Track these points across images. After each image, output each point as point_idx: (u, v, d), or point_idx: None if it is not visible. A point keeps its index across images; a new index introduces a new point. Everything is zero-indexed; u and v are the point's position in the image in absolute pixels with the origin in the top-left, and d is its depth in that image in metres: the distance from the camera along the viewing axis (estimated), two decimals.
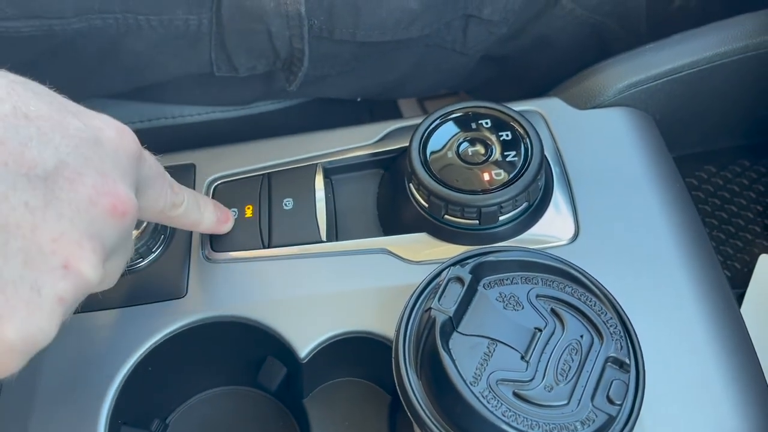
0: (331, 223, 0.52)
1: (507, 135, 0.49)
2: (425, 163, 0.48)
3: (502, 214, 0.47)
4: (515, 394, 0.36)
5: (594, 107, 0.57)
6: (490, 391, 0.36)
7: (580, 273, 0.40)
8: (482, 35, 0.63)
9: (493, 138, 0.49)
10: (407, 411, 0.38)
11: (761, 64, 0.59)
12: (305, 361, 0.46)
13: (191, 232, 0.51)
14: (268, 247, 0.50)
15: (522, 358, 0.37)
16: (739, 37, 0.58)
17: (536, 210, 0.49)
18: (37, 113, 0.32)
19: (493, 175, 0.48)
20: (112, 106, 0.63)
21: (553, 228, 0.49)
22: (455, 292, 0.38)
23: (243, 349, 0.50)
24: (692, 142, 0.70)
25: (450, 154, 0.49)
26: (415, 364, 0.38)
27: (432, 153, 0.49)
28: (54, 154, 0.31)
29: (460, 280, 0.38)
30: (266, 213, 0.52)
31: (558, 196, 0.51)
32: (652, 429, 0.42)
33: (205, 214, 0.46)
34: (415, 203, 0.49)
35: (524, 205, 0.48)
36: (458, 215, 0.47)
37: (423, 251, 0.49)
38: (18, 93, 0.32)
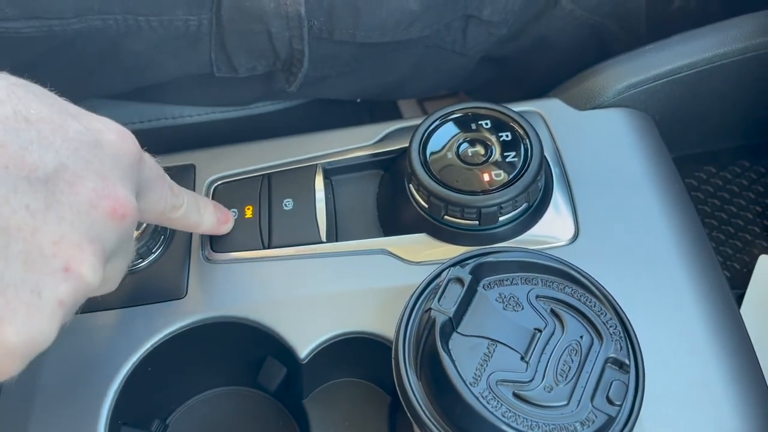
0: (331, 224, 0.52)
1: (507, 136, 0.49)
2: (425, 164, 0.48)
3: (502, 214, 0.47)
4: (515, 395, 0.36)
5: (594, 108, 0.57)
6: (489, 392, 0.36)
7: (579, 274, 0.40)
8: (482, 36, 0.63)
9: (493, 139, 0.49)
10: (407, 411, 0.38)
11: (761, 65, 0.59)
12: (305, 361, 0.46)
13: (191, 233, 0.51)
14: (268, 247, 0.50)
15: (522, 358, 0.37)
16: (738, 38, 0.58)
17: (536, 211, 0.49)
18: (38, 116, 0.32)
19: (493, 176, 0.48)
20: (112, 106, 0.63)
21: (553, 229, 0.49)
22: (455, 292, 0.38)
23: (243, 349, 0.50)
24: (692, 142, 0.70)
25: (450, 155, 0.49)
26: (415, 365, 0.38)
27: (432, 154, 0.49)
28: (54, 157, 0.31)
29: (459, 280, 0.38)
30: (266, 213, 0.52)
31: (558, 197, 0.51)
32: (652, 430, 0.42)
33: (205, 216, 0.46)
34: (414, 204, 0.49)
35: (524, 205, 0.48)
36: (458, 216, 0.47)
37: (423, 252, 0.49)
38: (18, 96, 0.32)
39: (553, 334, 0.38)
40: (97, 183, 0.33)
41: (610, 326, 0.38)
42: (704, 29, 0.59)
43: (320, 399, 0.50)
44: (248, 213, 0.52)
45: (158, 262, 0.50)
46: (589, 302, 0.39)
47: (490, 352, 0.37)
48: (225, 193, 0.54)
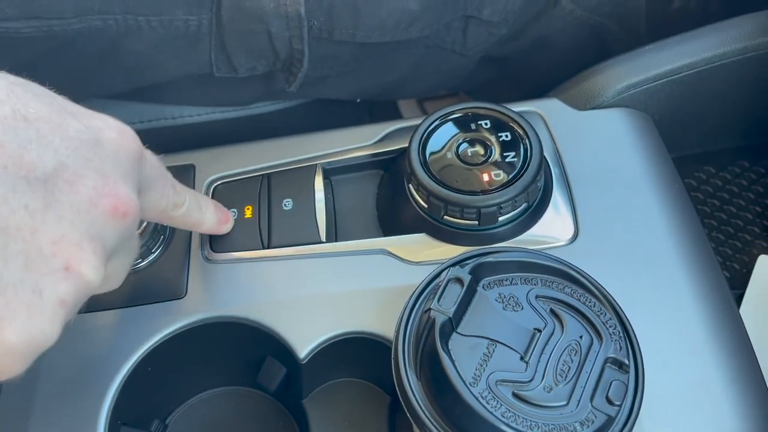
0: (331, 224, 0.52)
1: (506, 136, 0.49)
2: (425, 164, 0.48)
3: (502, 214, 0.47)
4: (515, 395, 0.36)
5: (593, 108, 0.57)
6: (489, 392, 0.36)
7: (579, 274, 0.40)
8: (482, 36, 0.63)
9: (493, 139, 0.49)
10: (407, 412, 0.38)
11: (760, 65, 0.59)
12: (305, 361, 0.46)
13: (191, 233, 0.51)
14: (268, 247, 0.50)
15: (521, 358, 0.37)
16: (738, 38, 0.58)
17: (535, 211, 0.49)
18: (37, 115, 0.32)
19: (493, 176, 0.48)
20: (112, 106, 0.63)
21: (553, 229, 0.49)
22: (455, 292, 0.38)
23: (242, 349, 0.50)
24: (691, 142, 0.70)
25: (449, 155, 0.49)
26: (415, 365, 0.38)
27: (431, 154, 0.49)
28: (54, 156, 0.31)
29: (459, 280, 0.38)
30: (266, 213, 0.52)
31: (557, 197, 0.51)
32: (652, 430, 0.42)
33: (207, 215, 0.46)
34: (414, 204, 0.49)
35: (523, 205, 0.48)
36: (458, 216, 0.47)
37: (422, 252, 0.49)
38: (17, 95, 0.32)
39: (552, 334, 0.38)
40: (97, 181, 0.32)
41: (610, 326, 0.38)
42: (704, 29, 0.59)
43: (320, 399, 0.50)
44: (248, 213, 0.52)
45: (158, 262, 0.50)
46: (589, 302, 0.39)
47: (489, 352, 0.37)
48: (225, 193, 0.54)
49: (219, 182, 0.54)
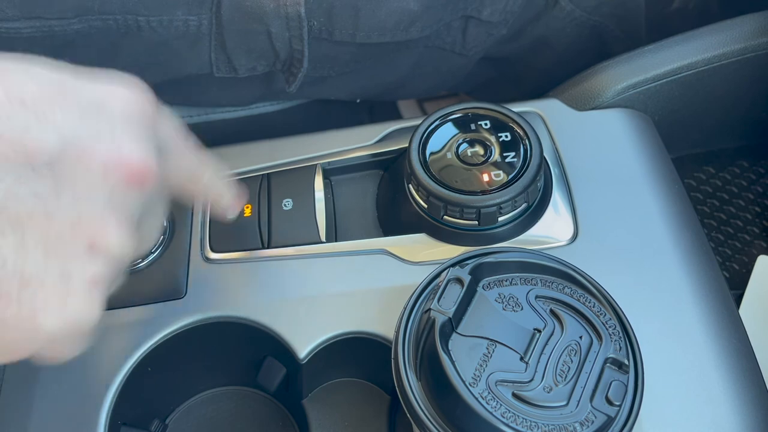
0: (331, 224, 0.52)
1: (506, 136, 0.49)
2: (424, 164, 0.48)
3: (502, 214, 0.47)
4: (514, 395, 0.36)
5: (593, 108, 0.57)
6: (489, 392, 0.36)
7: (579, 274, 0.40)
8: (481, 36, 0.63)
9: (493, 139, 0.49)
10: (406, 412, 0.38)
11: (760, 66, 0.59)
12: (304, 361, 0.46)
13: (190, 233, 0.51)
14: (268, 247, 0.50)
15: (521, 359, 0.37)
16: (737, 38, 0.58)
17: (535, 211, 0.49)
18: (34, 96, 0.30)
19: (493, 176, 0.48)
20: None
21: (552, 229, 0.49)
22: (455, 292, 0.38)
23: (242, 349, 0.50)
24: (691, 143, 0.70)
25: (449, 155, 0.49)
26: (415, 365, 0.38)
27: (431, 154, 0.49)
28: (56, 135, 0.30)
29: (459, 281, 0.38)
30: (266, 213, 0.52)
31: (557, 197, 0.51)
32: (651, 430, 0.42)
33: (227, 187, 0.43)
34: (414, 204, 0.49)
35: (523, 206, 0.48)
36: (457, 216, 0.48)
37: (422, 252, 0.49)
38: (11, 80, 0.30)
39: (552, 334, 0.38)
40: (107, 151, 0.31)
41: (610, 326, 0.38)
42: (704, 29, 0.59)
43: (320, 399, 0.50)
44: (247, 212, 0.52)
45: (158, 262, 0.50)
46: (589, 302, 0.39)
47: (489, 352, 0.37)
48: None
49: None
